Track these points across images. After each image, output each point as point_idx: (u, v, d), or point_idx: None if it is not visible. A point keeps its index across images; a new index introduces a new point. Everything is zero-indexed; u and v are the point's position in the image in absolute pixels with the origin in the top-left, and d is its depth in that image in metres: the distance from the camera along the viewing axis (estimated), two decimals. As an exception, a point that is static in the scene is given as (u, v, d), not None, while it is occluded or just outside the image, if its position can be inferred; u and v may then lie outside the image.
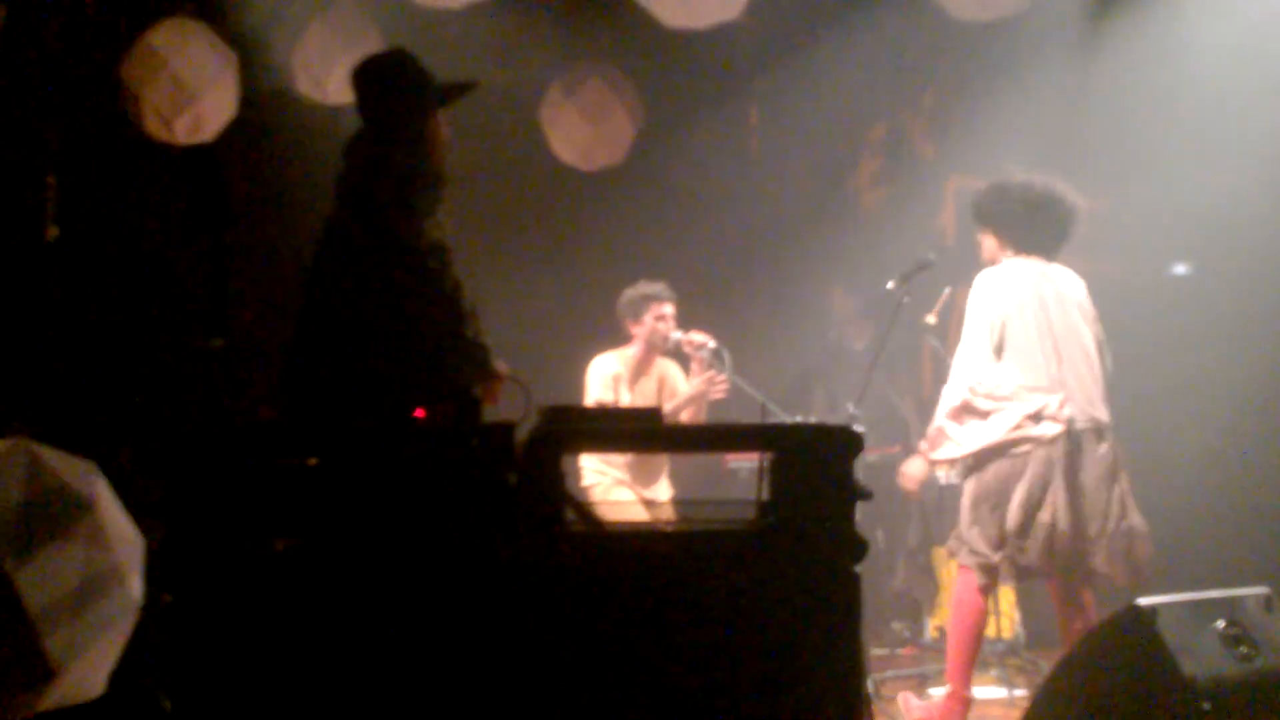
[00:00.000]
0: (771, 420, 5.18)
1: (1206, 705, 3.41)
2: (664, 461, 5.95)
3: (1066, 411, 4.54)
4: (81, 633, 3.73)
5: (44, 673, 3.65)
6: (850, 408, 5.26)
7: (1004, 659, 5.75)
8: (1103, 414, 4.63)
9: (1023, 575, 4.70)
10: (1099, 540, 4.53)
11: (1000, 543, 4.56)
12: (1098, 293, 4.87)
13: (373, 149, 3.88)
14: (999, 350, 4.63)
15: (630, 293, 5.98)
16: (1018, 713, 4.69)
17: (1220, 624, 3.61)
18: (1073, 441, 4.54)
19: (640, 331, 5.94)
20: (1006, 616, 6.03)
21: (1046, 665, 5.47)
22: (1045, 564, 4.57)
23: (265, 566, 2.89)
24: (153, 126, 6.27)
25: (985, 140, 6.46)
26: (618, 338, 6.05)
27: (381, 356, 3.76)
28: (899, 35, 6.95)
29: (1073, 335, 4.66)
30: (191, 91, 6.22)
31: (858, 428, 4.12)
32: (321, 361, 3.82)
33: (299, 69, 6.49)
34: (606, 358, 5.94)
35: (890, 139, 7.88)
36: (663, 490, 5.89)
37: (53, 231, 6.15)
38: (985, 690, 5.40)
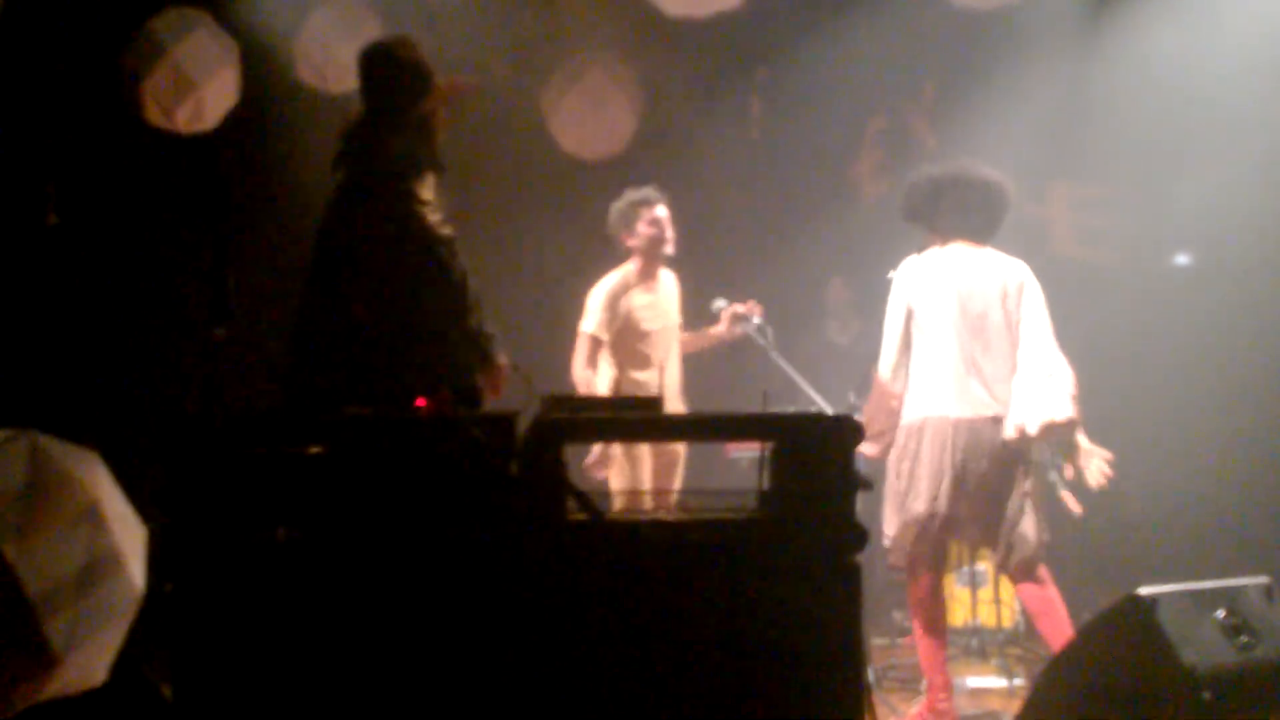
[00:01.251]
0: (785, 408, 5.11)
1: (1207, 694, 3.42)
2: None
3: (970, 399, 4.55)
4: (83, 621, 3.73)
5: (46, 661, 3.66)
6: (851, 397, 5.26)
7: (1004, 648, 5.76)
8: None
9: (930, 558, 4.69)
10: (992, 531, 4.56)
11: (907, 526, 4.61)
12: (1097, 284, 4.86)
13: (372, 135, 3.89)
14: (907, 338, 4.68)
15: (618, 205, 5.57)
16: (1018, 702, 4.70)
17: (1221, 613, 3.62)
18: (973, 430, 4.53)
19: (636, 243, 5.55)
20: (1007, 606, 6.04)
21: (1047, 654, 5.48)
22: (928, 549, 4.61)
23: (267, 555, 2.90)
24: (154, 115, 6.28)
25: (987, 131, 6.45)
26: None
27: (385, 345, 3.76)
28: (901, 25, 6.93)
29: (983, 325, 4.61)
30: (192, 80, 6.23)
31: (858, 417, 4.13)
32: (325, 349, 3.82)
33: (300, 57, 6.49)
34: (607, 278, 5.59)
35: (892, 130, 7.85)
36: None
37: (52, 219, 6.14)
38: (985, 680, 5.41)
